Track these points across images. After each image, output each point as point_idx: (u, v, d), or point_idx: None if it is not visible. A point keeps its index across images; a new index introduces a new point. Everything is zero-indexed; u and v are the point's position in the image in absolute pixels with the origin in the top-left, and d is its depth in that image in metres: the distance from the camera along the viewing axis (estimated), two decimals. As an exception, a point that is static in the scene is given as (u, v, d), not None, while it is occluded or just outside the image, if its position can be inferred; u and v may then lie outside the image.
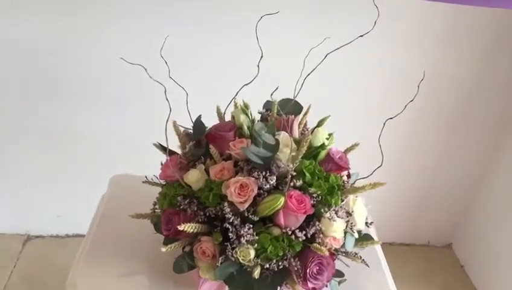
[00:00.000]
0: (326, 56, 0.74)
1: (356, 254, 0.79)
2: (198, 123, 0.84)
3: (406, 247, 1.85)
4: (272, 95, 0.75)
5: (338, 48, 0.74)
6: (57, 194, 1.64)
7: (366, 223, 0.85)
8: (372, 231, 0.91)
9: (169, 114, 0.72)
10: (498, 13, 1.35)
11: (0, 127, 1.51)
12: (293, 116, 0.84)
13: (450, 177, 1.72)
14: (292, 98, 0.86)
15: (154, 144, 0.90)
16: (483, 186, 1.71)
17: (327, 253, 0.71)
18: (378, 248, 0.96)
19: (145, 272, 0.89)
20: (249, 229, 0.71)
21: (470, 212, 1.77)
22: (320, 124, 0.80)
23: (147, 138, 1.52)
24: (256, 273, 0.71)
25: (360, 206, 0.80)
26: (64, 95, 1.41)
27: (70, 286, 0.85)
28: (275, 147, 0.73)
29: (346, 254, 0.79)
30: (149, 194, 0.90)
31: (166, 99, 0.70)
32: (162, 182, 0.85)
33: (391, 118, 0.79)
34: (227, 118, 0.89)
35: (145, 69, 0.69)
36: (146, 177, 0.85)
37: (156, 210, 0.87)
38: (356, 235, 0.80)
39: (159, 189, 0.88)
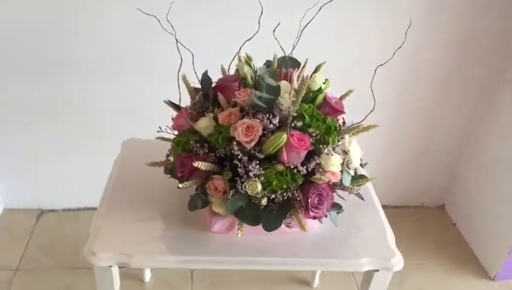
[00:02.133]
0: (320, 8, 0.82)
1: (352, 187, 0.88)
2: (205, 77, 0.92)
3: (400, 209, 1.95)
4: (274, 31, 0.83)
5: (330, 1, 0.82)
6: (68, 170, 1.72)
7: (361, 164, 0.94)
8: (365, 173, 1.00)
9: (181, 63, 0.80)
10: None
11: (12, 103, 1.57)
12: (291, 69, 0.93)
13: (440, 140, 1.81)
14: (290, 55, 0.94)
15: (165, 101, 0.98)
16: (473, 147, 1.80)
17: (326, 180, 0.80)
18: (370, 187, 1.05)
19: (161, 217, 0.97)
20: (255, 165, 0.80)
21: (461, 173, 1.86)
22: (317, 69, 0.89)
23: (154, 105, 1.60)
24: (264, 201, 0.80)
25: (355, 147, 0.89)
26: (75, 67, 1.48)
27: (95, 229, 0.93)
28: (276, 90, 0.81)
29: (343, 187, 0.87)
30: (159, 153, 0.99)
31: (178, 50, 0.78)
32: (175, 132, 0.93)
33: (381, 65, 0.87)
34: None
35: (159, 20, 0.76)
36: (160, 127, 0.92)
37: (169, 160, 0.95)
38: (352, 172, 0.89)
39: (167, 149, 0.97)
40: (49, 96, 1.54)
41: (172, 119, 0.94)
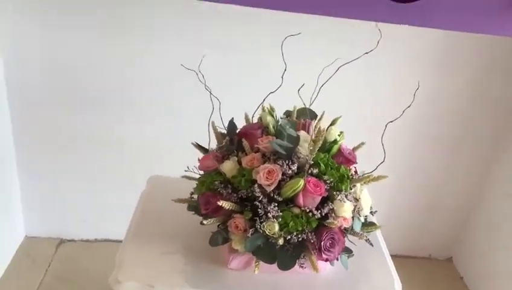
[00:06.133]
0: (338, 69, 0.91)
1: (362, 233, 0.94)
2: (231, 124, 1.01)
3: (407, 259, 1.98)
4: (298, 90, 0.92)
5: (348, 62, 0.92)
6: (87, 201, 1.80)
7: (371, 211, 1.01)
8: (375, 220, 1.06)
9: (212, 111, 0.89)
10: (488, 37, 1.54)
11: (38, 135, 1.68)
12: (309, 120, 1.02)
13: (449, 193, 1.87)
14: (309, 107, 1.04)
15: (193, 143, 1.07)
16: (482, 202, 1.85)
17: (338, 225, 0.87)
18: (379, 234, 1.11)
19: (182, 252, 1.04)
20: (274, 206, 0.87)
21: (470, 226, 1.90)
22: (333, 122, 0.97)
23: (175, 145, 1.69)
24: (280, 241, 0.87)
25: (365, 195, 0.96)
26: (93, 105, 1.60)
27: (120, 262, 1.00)
28: (296, 140, 0.90)
29: (354, 233, 0.94)
30: (181, 190, 1.06)
31: (211, 100, 0.88)
32: (201, 172, 1.01)
33: (391, 122, 0.95)
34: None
35: (197, 74, 0.86)
36: (188, 167, 1.01)
37: (193, 197, 1.03)
38: (362, 219, 0.96)
39: (190, 187, 1.04)
40: (76, 129, 1.64)
41: (199, 160, 1.03)
